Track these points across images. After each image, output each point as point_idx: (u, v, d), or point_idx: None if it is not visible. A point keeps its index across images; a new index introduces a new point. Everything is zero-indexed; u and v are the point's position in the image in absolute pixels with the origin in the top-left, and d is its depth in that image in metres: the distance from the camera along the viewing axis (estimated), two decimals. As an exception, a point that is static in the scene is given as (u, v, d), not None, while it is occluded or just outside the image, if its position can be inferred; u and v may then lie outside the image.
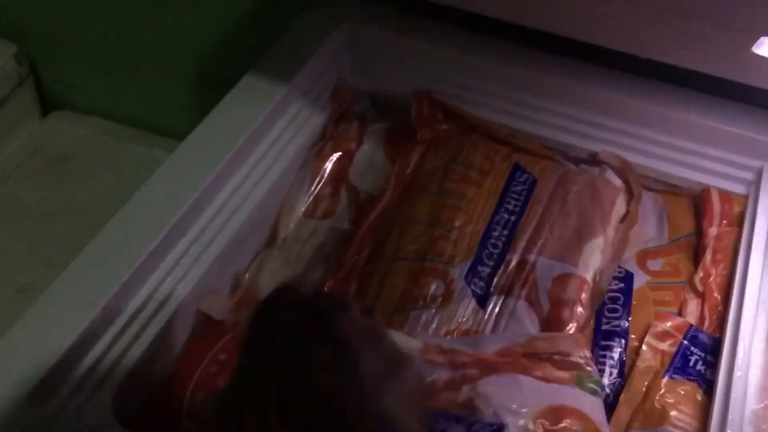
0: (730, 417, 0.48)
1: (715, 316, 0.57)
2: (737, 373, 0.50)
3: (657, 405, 0.52)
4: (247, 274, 0.63)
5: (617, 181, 0.67)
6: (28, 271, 0.88)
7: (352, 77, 0.75)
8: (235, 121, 0.64)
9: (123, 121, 1.11)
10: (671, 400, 0.52)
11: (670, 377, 0.54)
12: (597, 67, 0.69)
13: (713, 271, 0.58)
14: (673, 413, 0.52)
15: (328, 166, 0.70)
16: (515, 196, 0.65)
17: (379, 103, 0.76)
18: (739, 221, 0.62)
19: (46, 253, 0.90)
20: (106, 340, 0.53)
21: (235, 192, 0.63)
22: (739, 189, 0.64)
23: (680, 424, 0.51)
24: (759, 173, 0.63)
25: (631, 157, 0.67)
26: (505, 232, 0.63)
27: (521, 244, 0.62)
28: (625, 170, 0.67)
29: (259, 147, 0.65)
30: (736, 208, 0.63)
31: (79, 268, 0.54)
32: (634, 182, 0.66)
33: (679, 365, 0.54)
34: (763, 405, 0.48)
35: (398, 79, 0.73)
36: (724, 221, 0.63)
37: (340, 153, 0.71)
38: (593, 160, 0.68)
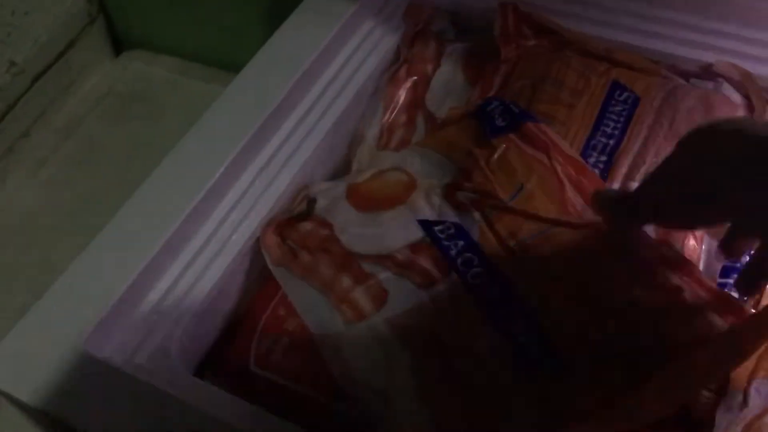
0: None
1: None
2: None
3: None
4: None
5: (736, 96, 0.58)
6: (105, 212, 0.87)
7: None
8: (298, 45, 0.60)
9: (197, 60, 1.08)
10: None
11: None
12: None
13: None
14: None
15: (403, 92, 0.64)
16: (614, 117, 0.57)
17: (459, 21, 0.69)
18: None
19: (124, 192, 0.89)
20: (168, 279, 0.50)
21: (302, 121, 0.58)
22: None
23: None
24: None
25: (752, 68, 0.58)
26: (603, 158, 0.55)
27: (622, 170, 0.54)
28: (745, 83, 0.58)
29: (326, 72, 0.60)
30: None
31: (138, 204, 0.51)
32: (756, 96, 0.57)
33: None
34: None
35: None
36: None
37: (415, 77, 0.65)
38: (707, 72, 0.59)
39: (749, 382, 0.42)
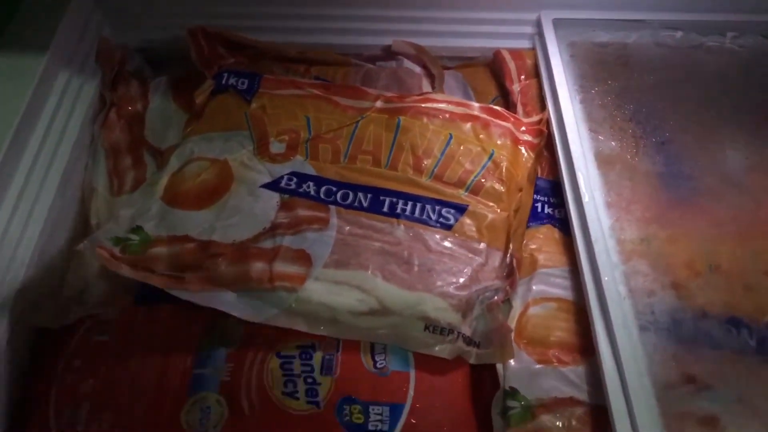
0: (593, 237, 0.50)
1: (544, 163, 0.60)
2: (585, 199, 0.53)
3: (526, 255, 0.54)
4: (70, 274, 0.56)
5: (417, 68, 0.67)
6: None
7: (116, 34, 0.68)
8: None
9: None
10: (534, 246, 0.55)
11: (527, 228, 0.56)
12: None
13: (542, 157, 0.61)
14: (541, 256, 0.54)
15: (119, 134, 0.63)
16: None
17: (152, 57, 0.69)
18: (535, 72, 0.65)
19: None
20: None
21: (24, 190, 0.54)
22: (525, 44, 0.67)
23: (550, 263, 0.53)
24: (538, 24, 0.66)
25: (423, 42, 0.67)
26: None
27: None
28: (420, 55, 0.67)
29: (35, 134, 0.57)
30: (529, 62, 0.66)
31: None
32: (433, 64, 0.67)
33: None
34: (615, 219, 0.52)
35: (167, 25, 0.67)
36: (522, 76, 0.65)
37: (127, 117, 0.64)
38: (388, 54, 0.68)
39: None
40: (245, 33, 0.67)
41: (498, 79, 0.67)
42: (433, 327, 0.49)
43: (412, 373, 0.49)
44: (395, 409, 0.47)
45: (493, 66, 0.68)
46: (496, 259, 0.53)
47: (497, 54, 0.67)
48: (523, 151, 0.60)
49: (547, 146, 0.60)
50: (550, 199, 0.58)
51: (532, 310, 0.51)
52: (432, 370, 0.49)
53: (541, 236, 0.55)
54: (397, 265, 0.51)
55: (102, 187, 0.61)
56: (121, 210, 0.53)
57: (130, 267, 0.49)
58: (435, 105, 0.60)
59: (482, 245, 0.53)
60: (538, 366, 0.49)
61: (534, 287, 0.52)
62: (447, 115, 0.60)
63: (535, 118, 0.62)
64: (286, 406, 0.47)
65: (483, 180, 0.56)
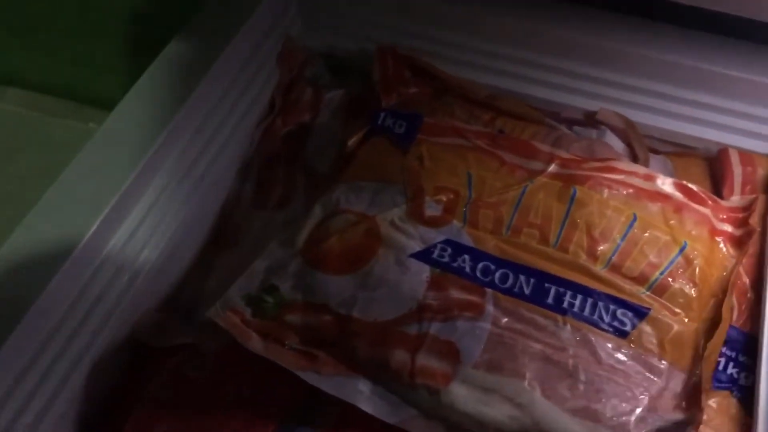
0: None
1: (744, 306, 0.49)
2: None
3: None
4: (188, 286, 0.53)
5: (619, 144, 0.58)
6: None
7: (303, 35, 0.64)
8: (159, 100, 0.53)
9: (49, 92, 0.98)
10: (704, 418, 0.44)
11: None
12: (588, 9, 0.59)
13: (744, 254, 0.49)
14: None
15: (279, 144, 0.59)
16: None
17: (336, 65, 0.65)
18: (765, 186, 0.53)
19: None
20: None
21: (166, 187, 0.52)
22: (762, 148, 0.55)
23: (716, 446, 0.43)
24: (786, 127, 0.54)
25: (634, 116, 0.58)
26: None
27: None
28: (627, 131, 0.57)
29: (189, 130, 0.54)
30: (761, 171, 0.54)
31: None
32: (639, 144, 0.57)
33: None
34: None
35: (357, 34, 0.62)
36: (748, 187, 0.53)
37: (291, 127, 0.60)
38: (590, 120, 0.59)
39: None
40: (438, 61, 0.61)
41: (714, 182, 0.56)
42: None
43: None
44: None
45: (714, 164, 0.57)
46: (678, 383, 0.43)
47: (723, 152, 0.56)
48: (722, 245, 0.49)
49: (755, 286, 0.49)
50: (739, 357, 0.46)
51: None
52: None
53: (714, 405, 0.44)
54: (560, 379, 0.42)
55: (245, 197, 0.58)
56: (256, 261, 0.49)
57: (261, 338, 0.45)
58: (619, 176, 0.50)
59: (663, 364, 0.43)
60: None
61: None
62: (633, 191, 0.50)
63: (740, 201, 0.51)
64: None
65: (670, 279, 0.46)
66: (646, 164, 0.56)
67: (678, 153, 0.58)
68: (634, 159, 0.57)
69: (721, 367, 0.46)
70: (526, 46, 0.59)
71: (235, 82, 0.58)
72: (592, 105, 0.58)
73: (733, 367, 0.46)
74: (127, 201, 0.49)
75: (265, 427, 0.45)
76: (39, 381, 0.43)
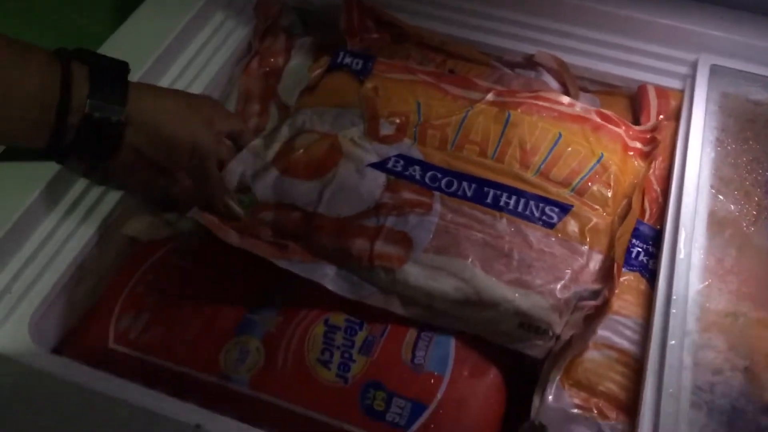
0: (674, 297, 0.47)
1: (655, 209, 0.56)
2: (680, 255, 0.49)
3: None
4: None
5: (554, 83, 0.65)
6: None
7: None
8: (149, 34, 0.60)
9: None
10: (616, 291, 0.51)
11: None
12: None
13: (653, 165, 0.57)
14: (617, 303, 0.51)
15: (255, 82, 0.66)
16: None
17: (306, 17, 0.72)
18: (676, 115, 0.61)
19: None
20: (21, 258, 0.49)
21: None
22: (675, 84, 0.63)
23: (624, 311, 0.50)
24: (694, 66, 0.62)
25: (567, 58, 0.65)
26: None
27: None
28: (561, 72, 0.65)
29: (178, 61, 0.61)
30: (673, 103, 0.62)
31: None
32: (571, 83, 0.65)
33: (621, 257, 0.53)
34: (707, 284, 0.48)
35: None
36: (661, 116, 0.62)
37: (267, 68, 0.67)
38: (529, 62, 0.66)
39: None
40: (397, 11, 0.69)
41: (635, 114, 0.64)
42: (529, 325, 0.48)
43: (446, 378, 0.48)
44: (417, 408, 0.46)
45: (634, 99, 0.64)
46: (596, 262, 0.51)
47: (642, 88, 0.63)
48: (633, 158, 0.57)
49: (664, 193, 0.57)
50: (649, 248, 0.54)
51: (590, 354, 0.48)
52: (468, 382, 0.48)
53: (626, 282, 0.52)
54: (497, 258, 0.50)
55: (225, 126, 0.64)
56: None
57: (238, 233, 0.52)
58: (546, 103, 0.59)
59: (584, 247, 0.52)
60: (575, 411, 0.46)
61: (599, 331, 0.49)
62: (557, 114, 0.58)
63: (648, 125, 0.59)
64: (316, 372, 0.48)
65: (589, 183, 0.55)
66: (577, 98, 0.64)
67: (606, 91, 0.66)
68: (567, 95, 0.64)
69: (633, 255, 0.54)
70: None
71: (217, 27, 0.65)
72: (531, 50, 0.66)
73: (644, 255, 0.54)
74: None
75: (242, 301, 0.51)
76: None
